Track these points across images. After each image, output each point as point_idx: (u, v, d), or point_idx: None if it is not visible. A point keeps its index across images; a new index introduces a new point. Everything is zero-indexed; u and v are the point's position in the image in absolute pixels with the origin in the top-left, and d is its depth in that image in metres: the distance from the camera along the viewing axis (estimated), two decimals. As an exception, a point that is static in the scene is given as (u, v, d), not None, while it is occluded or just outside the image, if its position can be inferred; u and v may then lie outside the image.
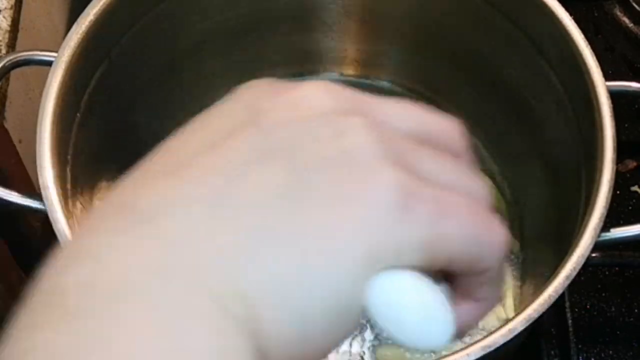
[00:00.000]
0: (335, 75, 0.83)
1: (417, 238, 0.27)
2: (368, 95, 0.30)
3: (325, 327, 0.26)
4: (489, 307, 0.32)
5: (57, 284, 0.26)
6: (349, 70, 0.83)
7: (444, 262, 0.28)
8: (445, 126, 0.31)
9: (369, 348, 0.70)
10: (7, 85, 0.69)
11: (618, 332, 0.72)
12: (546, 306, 0.54)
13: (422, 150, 0.29)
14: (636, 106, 0.82)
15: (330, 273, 0.26)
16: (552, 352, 0.70)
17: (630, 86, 0.66)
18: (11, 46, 0.70)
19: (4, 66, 0.64)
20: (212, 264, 0.25)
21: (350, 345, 0.70)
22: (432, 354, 0.68)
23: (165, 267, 0.25)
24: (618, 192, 0.77)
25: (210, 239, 0.26)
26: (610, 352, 0.71)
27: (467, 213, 0.29)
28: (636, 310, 0.72)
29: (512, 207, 0.77)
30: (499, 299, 0.32)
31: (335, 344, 0.27)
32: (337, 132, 0.27)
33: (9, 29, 0.70)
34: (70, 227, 0.57)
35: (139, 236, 0.26)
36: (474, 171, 0.31)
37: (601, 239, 0.57)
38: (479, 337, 0.53)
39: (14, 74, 0.69)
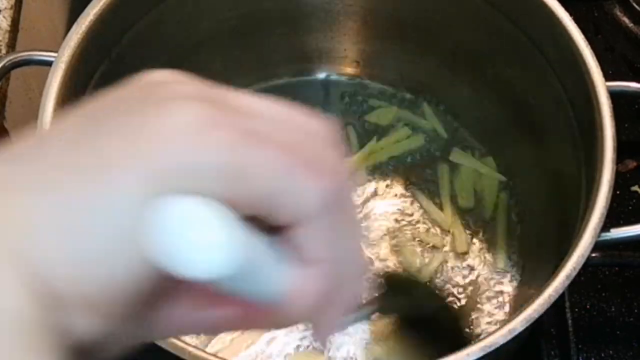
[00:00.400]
0: (335, 75, 0.83)
1: (213, 164, 0.26)
2: (232, 91, 0.29)
3: (107, 259, 0.26)
4: (333, 277, 0.28)
5: None
6: (349, 70, 0.83)
7: (247, 199, 0.26)
8: (308, 125, 0.28)
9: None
10: (7, 85, 0.69)
11: (618, 332, 0.72)
12: (546, 306, 0.54)
13: (261, 121, 0.27)
14: (636, 106, 0.82)
15: (110, 199, 0.25)
16: (552, 352, 0.70)
17: (630, 86, 0.66)
18: (11, 46, 0.70)
19: (4, 66, 0.64)
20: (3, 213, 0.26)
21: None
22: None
23: None
24: (618, 192, 0.77)
25: (4, 185, 0.26)
26: (610, 352, 0.71)
27: (281, 146, 0.26)
28: (636, 310, 0.72)
29: (512, 207, 0.77)
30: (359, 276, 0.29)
31: (125, 279, 0.26)
32: (165, 97, 0.27)
33: (9, 29, 0.70)
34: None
35: None
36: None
37: (601, 239, 0.57)
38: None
39: (14, 74, 0.69)
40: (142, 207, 0.25)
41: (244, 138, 0.26)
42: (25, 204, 0.26)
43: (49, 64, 0.63)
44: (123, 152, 0.26)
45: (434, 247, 0.75)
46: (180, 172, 0.25)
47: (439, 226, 0.76)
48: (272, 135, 0.27)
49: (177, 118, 0.26)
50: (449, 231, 0.76)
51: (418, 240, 0.75)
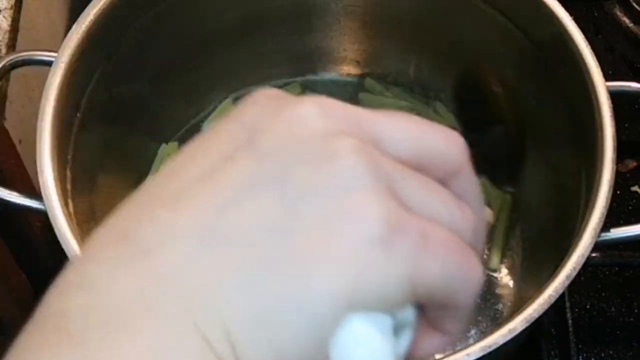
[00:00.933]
0: (335, 75, 0.83)
1: (400, 274, 0.27)
2: (366, 111, 0.30)
3: (296, 354, 0.27)
4: (452, 341, 0.31)
5: (57, 308, 0.27)
6: (349, 70, 0.83)
7: (422, 296, 0.28)
8: (444, 141, 0.30)
9: None
10: (7, 85, 0.69)
11: (618, 332, 0.72)
12: (546, 306, 0.54)
13: (412, 178, 0.29)
14: (636, 106, 0.82)
15: (310, 309, 0.27)
16: (552, 352, 0.70)
17: (630, 86, 0.66)
18: (11, 46, 0.70)
19: (4, 66, 0.64)
20: (198, 298, 0.27)
21: None
22: None
23: (156, 300, 0.27)
24: (618, 192, 0.77)
25: (198, 274, 0.27)
26: (610, 352, 0.71)
27: (449, 249, 0.28)
28: (636, 310, 0.72)
29: (513, 207, 0.77)
30: (463, 335, 0.32)
31: None
32: (328, 156, 0.28)
33: (9, 29, 0.70)
34: (70, 227, 0.57)
35: (135, 268, 0.27)
36: (470, 197, 0.31)
37: (601, 239, 0.57)
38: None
39: (14, 74, 0.69)
40: (334, 320, 0.27)
41: (419, 241, 0.28)
42: (225, 286, 0.27)
43: (49, 64, 0.63)
44: (319, 258, 0.27)
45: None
46: (368, 290, 0.27)
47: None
48: (427, 213, 0.29)
49: (365, 226, 0.27)
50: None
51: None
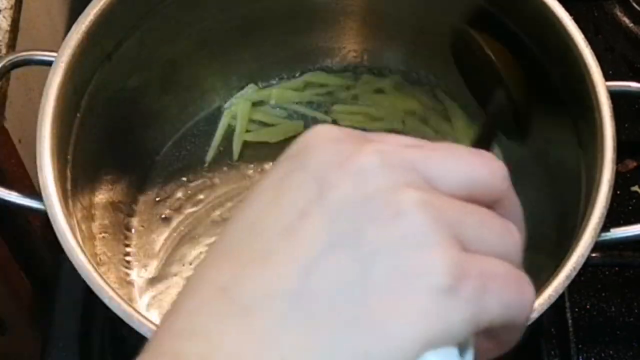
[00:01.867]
0: (335, 74, 0.83)
1: (465, 317, 0.30)
2: (418, 151, 0.32)
3: None
4: (508, 348, 0.34)
5: (173, 351, 0.30)
6: (349, 70, 0.83)
7: (484, 328, 0.31)
8: (488, 170, 0.33)
9: None
10: (7, 85, 0.69)
11: (618, 332, 0.72)
12: (546, 306, 0.54)
13: (469, 215, 0.32)
14: (636, 106, 0.82)
15: (388, 353, 0.29)
16: (552, 352, 0.70)
17: (630, 86, 0.66)
18: (11, 46, 0.70)
19: (4, 66, 0.64)
20: (293, 357, 0.29)
21: None
22: None
23: (260, 356, 0.30)
24: (618, 192, 0.77)
25: (291, 334, 0.30)
26: (610, 352, 0.71)
27: (506, 283, 0.32)
28: (636, 310, 0.72)
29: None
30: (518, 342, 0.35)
31: None
32: (394, 213, 0.30)
33: (9, 29, 0.70)
34: (71, 226, 0.57)
35: (240, 324, 0.30)
36: (514, 222, 0.36)
37: (601, 239, 0.57)
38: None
39: (14, 74, 0.69)
40: None
41: (481, 282, 0.30)
42: (314, 345, 0.29)
43: (49, 64, 0.63)
44: (393, 314, 0.29)
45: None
46: (439, 329, 0.29)
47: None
48: (484, 248, 0.32)
49: (431, 278, 0.30)
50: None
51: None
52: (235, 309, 0.30)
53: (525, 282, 0.33)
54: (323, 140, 0.33)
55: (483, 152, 0.34)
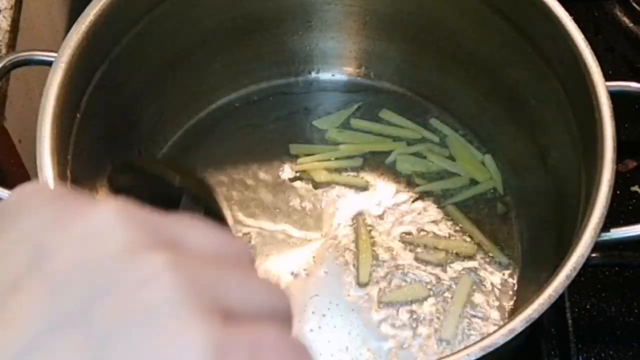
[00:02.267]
0: (335, 75, 0.83)
1: None
2: (161, 217, 0.27)
3: None
4: None
5: None
6: (349, 70, 0.83)
7: None
8: (235, 243, 0.29)
9: None
10: (7, 85, 0.69)
11: (618, 332, 0.72)
12: (546, 306, 0.54)
13: (228, 274, 0.27)
14: (636, 106, 0.82)
15: None
16: (552, 352, 0.70)
17: (630, 86, 0.66)
18: (11, 46, 0.70)
19: (4, 66, 0.64)
20: None
21: None
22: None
23: None
24: (618, 192, 0.77)
25: None
26: (610, 352, 0.71)
27: (279, 350, 0.26)
28: (636, 310, 0.72)
29: (513, 207, 0.77)
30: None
31: None
32: (136, 281, 0.24)
33: (9, 29, 0.70)
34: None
35: None
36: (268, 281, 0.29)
37: (601, 239, 0.57)
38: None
39: (14, 74, 0.69)
40: None
41: (250, 355, 0.25)
42: None
43: (49, 64, 0.63)
44: None
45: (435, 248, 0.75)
46: None
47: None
48: (250, 309, 0.26)
49: (188, 357, 0.24)
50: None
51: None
52: None
53: (301, 350, 0.27)
54: (39, 198, 0.27)
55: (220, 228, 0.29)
